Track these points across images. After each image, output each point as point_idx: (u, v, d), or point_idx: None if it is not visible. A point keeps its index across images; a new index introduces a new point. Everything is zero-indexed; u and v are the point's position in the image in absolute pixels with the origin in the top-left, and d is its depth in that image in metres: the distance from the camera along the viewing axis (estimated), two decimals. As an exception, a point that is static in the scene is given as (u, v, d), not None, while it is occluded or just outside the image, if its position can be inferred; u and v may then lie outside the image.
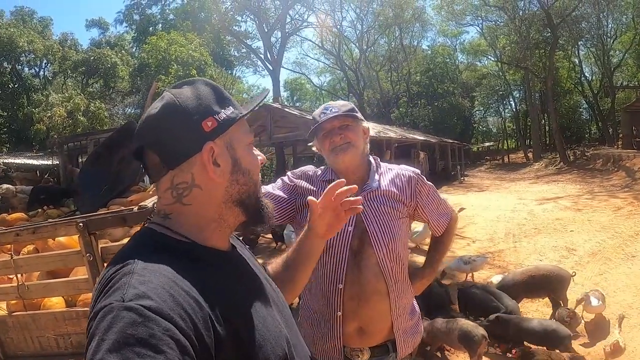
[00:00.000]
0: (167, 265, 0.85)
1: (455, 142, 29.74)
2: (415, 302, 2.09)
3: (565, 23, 28.22)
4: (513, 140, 44.70)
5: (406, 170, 2.01)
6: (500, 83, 40.23)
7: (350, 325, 1.86)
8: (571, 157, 26.44)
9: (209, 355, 0.79)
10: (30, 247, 2.89)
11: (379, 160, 2.04)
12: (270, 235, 9.42)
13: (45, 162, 13.39)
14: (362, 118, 1.97)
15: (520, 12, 30.81)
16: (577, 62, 35.30)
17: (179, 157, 0.94)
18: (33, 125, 20.65)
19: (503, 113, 45.93)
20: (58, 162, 13.08)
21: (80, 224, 2.08)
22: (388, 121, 34.03)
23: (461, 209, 9.18)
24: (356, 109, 1.96)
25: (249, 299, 0.98)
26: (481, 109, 46.09)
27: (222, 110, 0.97)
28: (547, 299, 5.18)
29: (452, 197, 16.25)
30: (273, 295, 1.11)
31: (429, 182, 2.05)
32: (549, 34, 28.72)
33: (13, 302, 2.46)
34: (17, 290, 2.29)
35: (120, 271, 0.84)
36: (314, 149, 2.03)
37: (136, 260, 0.85)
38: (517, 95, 41.74)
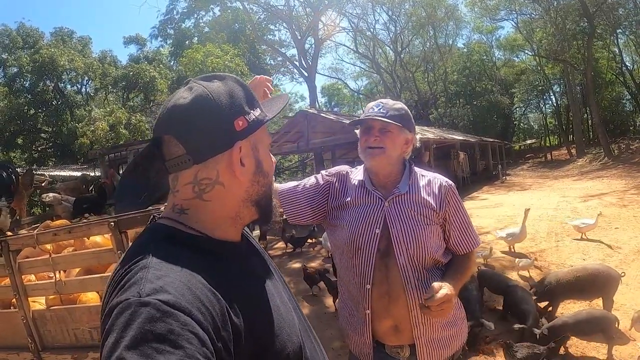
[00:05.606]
0: (183, 258, 0.85)
1: (496, 140, 29.10)
2: (459, 312, 2.01)
3: (602, 11, 26.95)
4: (555, 136, 43.24)
5: (440, 178, 1.99)
6: (540, 78, 38.92)
7: (385, 323, 1.87)
8: (616, 151, 25.51)
9: (227, 348, 0.79)
10: (70, 249, 3.03)
11: (414, 166, 2.02)
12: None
13: (90, 174, 13.90)
14: (411, 128, 1.95)
15: (555, 3, 29.71)
16: (617, 51, 33.53)
17: (208, 152, 0.93)
18: (77, 139, 21.25)
19: (544, 109, 44.61)
20: (99, 174, 13.53)
21: (112, 223, 2.18)
22: (427, 122, 33.39)
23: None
24: (407, 117, 1.94)
25: (262, 289, 1.00)
26: (521, 105, 44.70)
27: (252, 111, 0.98)
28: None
29: (493, 197, 16.01)
30: (282, 282, 1.14)
31: (459, 198, 1.99)
32: (586, 23, 27.53)
33: (51, 297, 2.57)
34: (55, 286, 2.41)
35: (135, 266, 0.83)
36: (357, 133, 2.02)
37: (151, 254, 0.85)
38: (558, 89, 40.28)
